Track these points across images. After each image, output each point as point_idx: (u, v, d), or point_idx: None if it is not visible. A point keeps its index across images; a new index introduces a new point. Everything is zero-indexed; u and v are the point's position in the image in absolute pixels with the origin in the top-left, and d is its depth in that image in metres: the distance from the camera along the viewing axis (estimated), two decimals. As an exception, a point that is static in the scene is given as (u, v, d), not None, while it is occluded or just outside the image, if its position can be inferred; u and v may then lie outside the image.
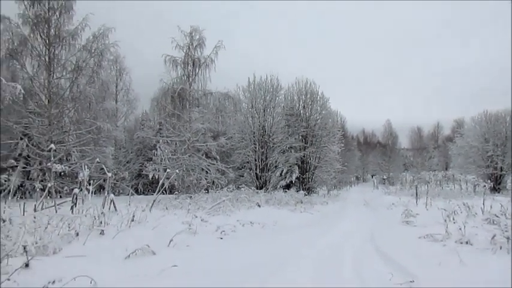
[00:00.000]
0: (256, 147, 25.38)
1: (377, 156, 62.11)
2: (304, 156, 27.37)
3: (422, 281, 5.39)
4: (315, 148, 27.57)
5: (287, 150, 26.72)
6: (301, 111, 28.07)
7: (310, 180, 28.13)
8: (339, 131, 30.16)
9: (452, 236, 8.33)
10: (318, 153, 27.92)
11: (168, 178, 14.15)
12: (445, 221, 10.18)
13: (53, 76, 21.05)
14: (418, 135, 75.56)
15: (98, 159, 15.22)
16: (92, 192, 10.18)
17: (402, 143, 69.98)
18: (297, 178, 26.99)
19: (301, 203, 20.18)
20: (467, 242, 7.70)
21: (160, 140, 23.47)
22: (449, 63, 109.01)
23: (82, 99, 21.72)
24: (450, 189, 33.83)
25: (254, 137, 25.39)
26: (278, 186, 25.41)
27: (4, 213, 6.49)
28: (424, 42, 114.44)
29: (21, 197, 15.44)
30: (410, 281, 5.52)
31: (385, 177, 57.44)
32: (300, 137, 27.51)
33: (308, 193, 25.74)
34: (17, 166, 21.32)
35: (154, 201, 11.81)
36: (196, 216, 10.88)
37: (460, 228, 8.39)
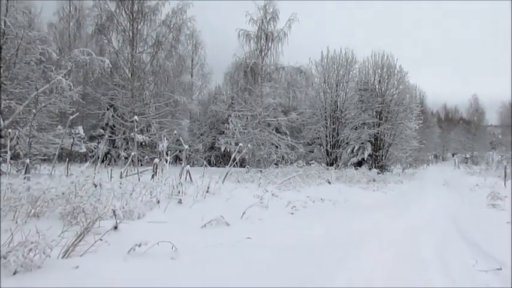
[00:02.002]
0: (327, 123, 24.86)
1: (459, 133, 57.51)
2: (378, 133, 26.23)
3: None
4: (390, 125, 26.25)
5: (360, 127, 25.79)
6: (377, 85, 26.76)
7: (383, 158, 27.02)
8: (417, 106, 28.36)
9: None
10: (393, 130, 26.59)
11: (239, 152, 14.41)
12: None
13: (136, 51, 22.28)
14: (510, 111, 67.99)
15: (175, 131, 15.96)
16: (169, 163, 10.73)
17: (490, 120, 63.68)
18: (369, 155, 26.06)
19: (374, 181, 19.51)
20: None
21: (232, 114, 24.10)
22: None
23: (161, 73, 22.83)
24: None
25: (325, 112, 24.82)
26: (349, 163, 24.76)
27: (95, 178, 7.06)
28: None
29: (108, 164, 16.81)
30: (498, 269, 5.07)
31: (468, 156, 53.18)
32: (374, 113, 26.33)
33: (381, 171, 24.76)
34: (104, 135, 23.28)
35: (226, 173, 12.13)
36: (267, 191, 10.98)
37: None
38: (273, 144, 23.76)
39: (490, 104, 61.99)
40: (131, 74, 22.33)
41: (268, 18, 23.44)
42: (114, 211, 5.45)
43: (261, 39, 23.58)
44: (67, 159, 11.07)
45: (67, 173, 8.93)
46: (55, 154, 11.13)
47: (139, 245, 4.64)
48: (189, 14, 23.00)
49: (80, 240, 4.46)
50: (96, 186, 6.53)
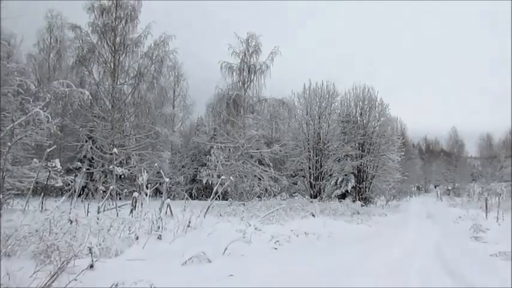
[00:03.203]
0: (310, 155, 25.07)
1: (441, 165, 58.82)
2: (360, 164, 26.60)
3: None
4: (373, 156, 26.69)
5: (343, 159, 26.11)
6: (358, 118, 27.40)
7: (367, 189, 27.27)
8: (399, 138, 29.01)
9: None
10: (376, 162, 27.01)
11: (222, 184, 14.35)
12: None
13: (117, 82, 22.42)
14: (488, 143, 70.26)
15: (156, 163, 15.84)
16: (149, 196, 10.58)
17: (470, 151, 65.62)
18: (353, 187, 26.26)
19: (358, 213, 19.57)
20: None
21: (215, 146, 24.11)
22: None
23: (142, 105, 22.90)
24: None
25: (308, 144, 25.11)
26: (333, 196, 24.88)
27: (70, 213, 6.89)
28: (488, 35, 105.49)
29: (85, 198, 16.44)
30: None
31: (449, 187, 54.16)
32: (357, 145, 26.78)
33: (365, 203, 24.93)
34: (81, 168, 22.86)
35: (208, 207, 12.02)
36: (250, 225, 10.90)
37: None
38: (255, 176, 23.76)
39: (469, 136, 64.08)
40: (112, 106, 22.32)
41: (250, 51, 24.07)
42: (90, 249, 5.32)
43: (243, 72, 24.11)
44: (42, 193, 10.79)
45: (41, 208, 8.70)
46: (29, 188, 10.84)
47: (116, 284, 4.51)
48: (172, 46, 23.47)
49: (53, 281, 4.30)
50: (71, 222, 6.38)
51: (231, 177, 16.97)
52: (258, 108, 24.76)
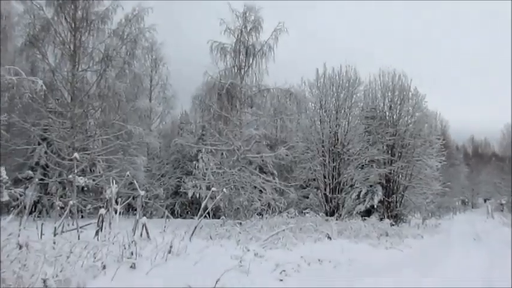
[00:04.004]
0: (325, 160, 25.16)
1: (492, 173, 58.86)
2: (390, 172, 26.65)
3: None
4: (405, 162, 26.74)
5: (367, 165, 26.18)
6: (387, 113, 27.53)
7: (398, 204, 27.31)
8: (439, 139, 29.08)
9: None
10: (410, 169, 27.07)
11: (212, 198, 14.37)
12: None
13: (78, 68, 22.46)
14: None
15: (128, 172, 15.85)
16: (119, 213, 10.60)
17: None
18: (380, 202, 26.31)
19: (387, 235, 19.60)
20: None
21: (203, 149, 24.02)
22: None
23: (110, 97, 22.92)
24: None
25: (323, 146, 25.19)
26: (354, 212, 24.93)
27: (20, 236, 6.91)
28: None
29: (38, 216, 16.44)
30: None
31: (503, 202, 54.15)
32: (385, 148, 26.85)
33: (396, 222, 24.98)
34: (33, 178, 22.86)
35: (195, 227, 12.03)
36: (248, 250, 10.92)
37: None
38: (256, 187, 23.71)
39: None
40: (71, 98, 22.38)
41: (248, 28, 24.08)
42: (44, 281, 5.34)
43: (239, 54, 24.10)
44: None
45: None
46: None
47: (78, 327, 4.53)
48: (148, 23, 23.53)
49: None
50: (21, 247, 6.38)
51: (224, 189, 16.85)
52: (259, 101, 24.72)
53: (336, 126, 25.17)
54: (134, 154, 24.04)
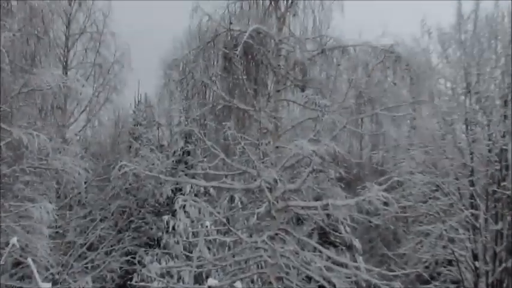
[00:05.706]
0: (478, 218, 14.29)
1: None
2: None
3: None
4: None
5: None
6: None
7: None
8: None
9: None
10: None
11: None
12: None
13: None
14: None
15: (15, 236, 9.01)
16: None
17: None
18: None
19: None
20: None
21: (187, 187, 14.45)
22: None
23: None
24: None
25: (473, 185, 13.78)
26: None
27: None
28: None
29: None
30: None
31: None
32: None
33: None
34: None
35: None
36: None
37: None
38: (311, 279, 12.54)
39: None
40: None
41: None
42: None
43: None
44: None
45: None
46: None
47: None
48: None
49: None
50: None
51: (238, 283, 9.13)
52: (321, 76, 12.75)
53: (504, 137, 13.36)
54: (28, 196, 12.86)
